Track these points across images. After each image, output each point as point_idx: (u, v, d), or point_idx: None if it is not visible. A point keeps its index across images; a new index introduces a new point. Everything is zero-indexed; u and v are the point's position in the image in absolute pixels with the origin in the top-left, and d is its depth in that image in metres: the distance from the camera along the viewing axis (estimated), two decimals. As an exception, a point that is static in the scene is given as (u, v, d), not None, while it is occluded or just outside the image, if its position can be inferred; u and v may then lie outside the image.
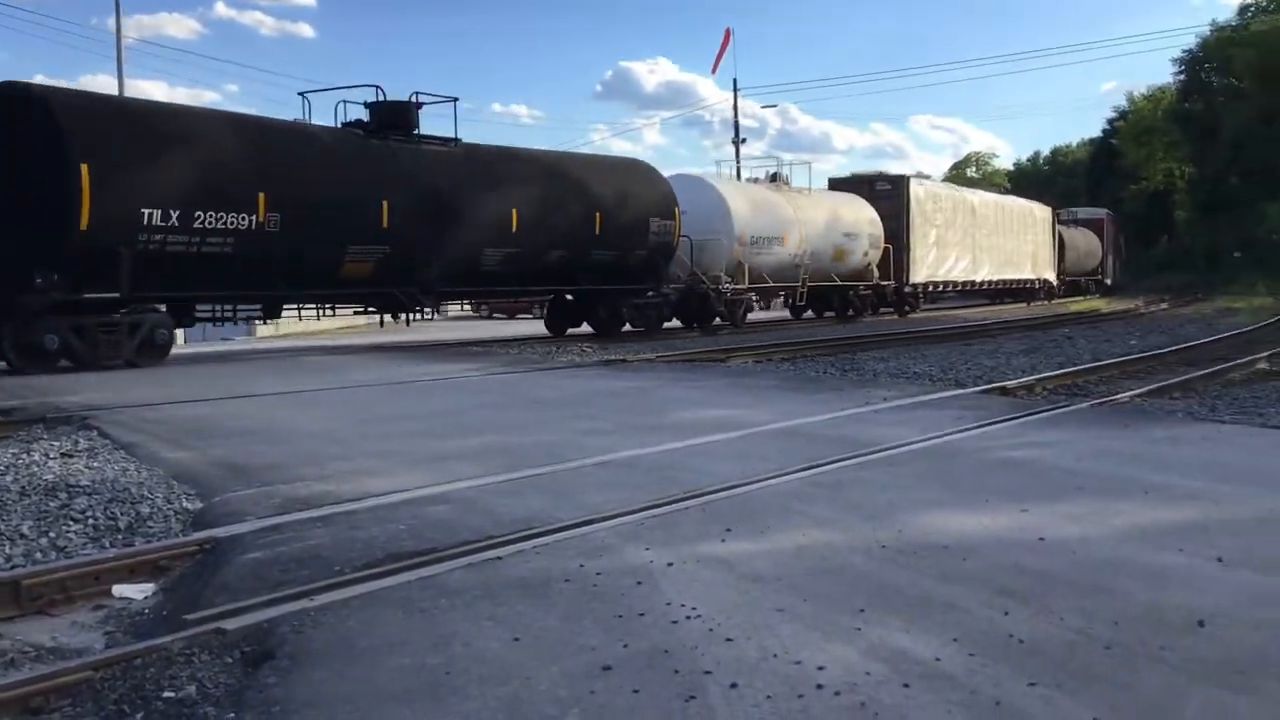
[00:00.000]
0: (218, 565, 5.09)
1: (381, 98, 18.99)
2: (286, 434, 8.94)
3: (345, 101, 19.05)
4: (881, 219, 31.69)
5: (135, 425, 9.27)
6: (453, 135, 20.00)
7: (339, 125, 18.82)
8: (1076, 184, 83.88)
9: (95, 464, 7.53)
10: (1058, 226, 47.57)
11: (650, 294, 23.86)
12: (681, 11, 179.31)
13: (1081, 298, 48.88)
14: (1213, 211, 66.60)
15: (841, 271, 30.31)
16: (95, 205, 14.14)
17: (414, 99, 19.43)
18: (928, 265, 34.54)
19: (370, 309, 20.72)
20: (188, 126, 16.11)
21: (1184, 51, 69.86)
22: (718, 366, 15.51)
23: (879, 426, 9.07)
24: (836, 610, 4.23)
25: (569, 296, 23.97)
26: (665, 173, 26.06)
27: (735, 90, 53.55)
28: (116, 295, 14.82)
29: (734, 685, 3.49)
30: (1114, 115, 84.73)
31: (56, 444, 8.32)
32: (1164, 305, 40.03)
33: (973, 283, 38.60)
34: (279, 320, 26.18)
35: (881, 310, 33.44)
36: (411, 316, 20.56)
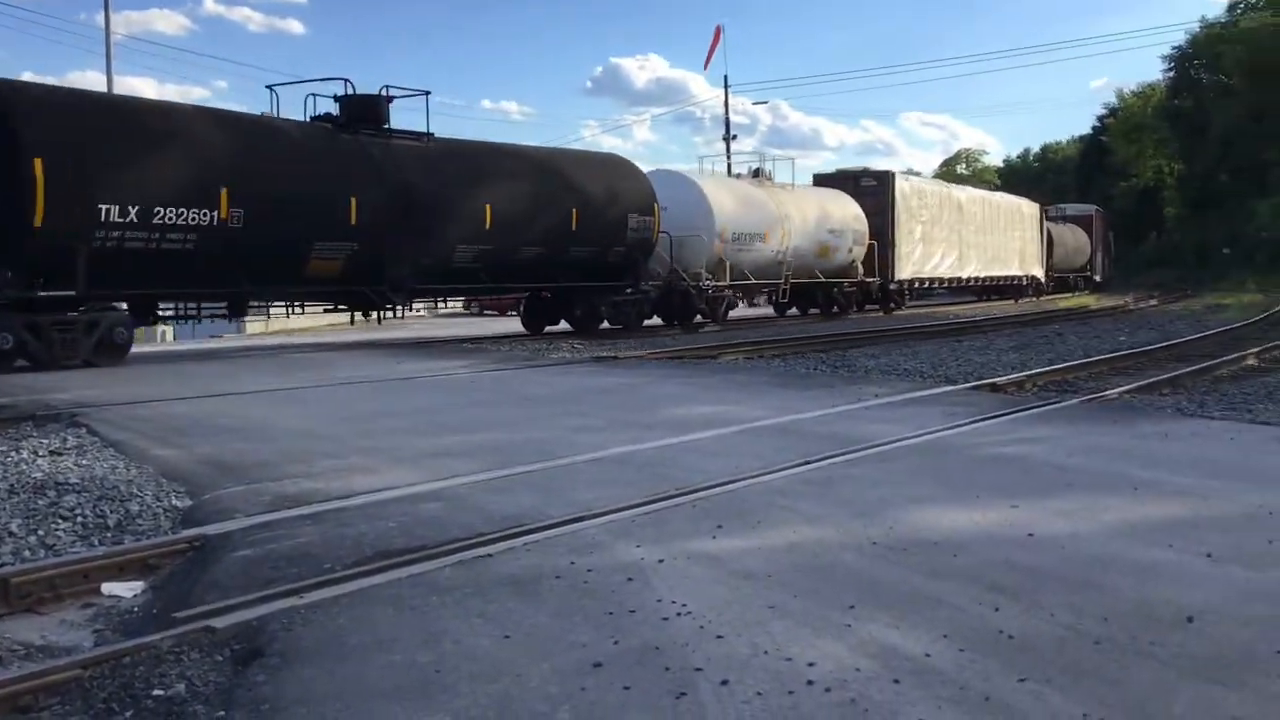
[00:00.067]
0: (207, 563, 5.08)
1: (351, 91, 18.69)
2: (276, 431, 8.92)
3: (315, 95, 18.77)
4: (867, 215, 31.48)
5: (124, 423, 9.25)
6: (425, 130, 19.67)
7: (308, 119, 18.50)
8: (1066, 181, 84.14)
9: (84, 461, 7.51)
10: (1046, 223, 47.42)
11: (629, 291, 23.50)
12: (672, 8, 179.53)
13: (1070, 294, 48.83)
14: (1202, 208, 66.87)
15: (826, 268, 30.07)
16: (50, 201, 13.84)
17: (384, 92, 19.13)
18: (913, 262, 34.32)
19: (340, 307, 20.42)
20: (147, 121, 15.72)
21: (1174, 48, 70.21)
22: (708, 363, 15.51)
23: (870, 423, 9.08)
24: (827, 607, 4.24)
25: (546, 294, 23.60)
26: (657, 169, 26.00)
27: (726, 87, 53.60)
28: (73, 293, 14.53)
29: (725, 682, 3.50)
30: (1104, 112, 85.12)
31: (45, 441, 8.29)
32: (1153, 302, 40.11)
33: (959, 279, 38.43)
34: (268, 317, 26.12)
35: (867, 307, 33.24)
36: (383, 314, 20.23)
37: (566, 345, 18.99)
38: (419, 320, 31.79)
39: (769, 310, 31.80)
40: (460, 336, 22.75)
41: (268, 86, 19.44)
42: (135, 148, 15.08)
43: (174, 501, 6.40)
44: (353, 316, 20.46)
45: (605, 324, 23.31)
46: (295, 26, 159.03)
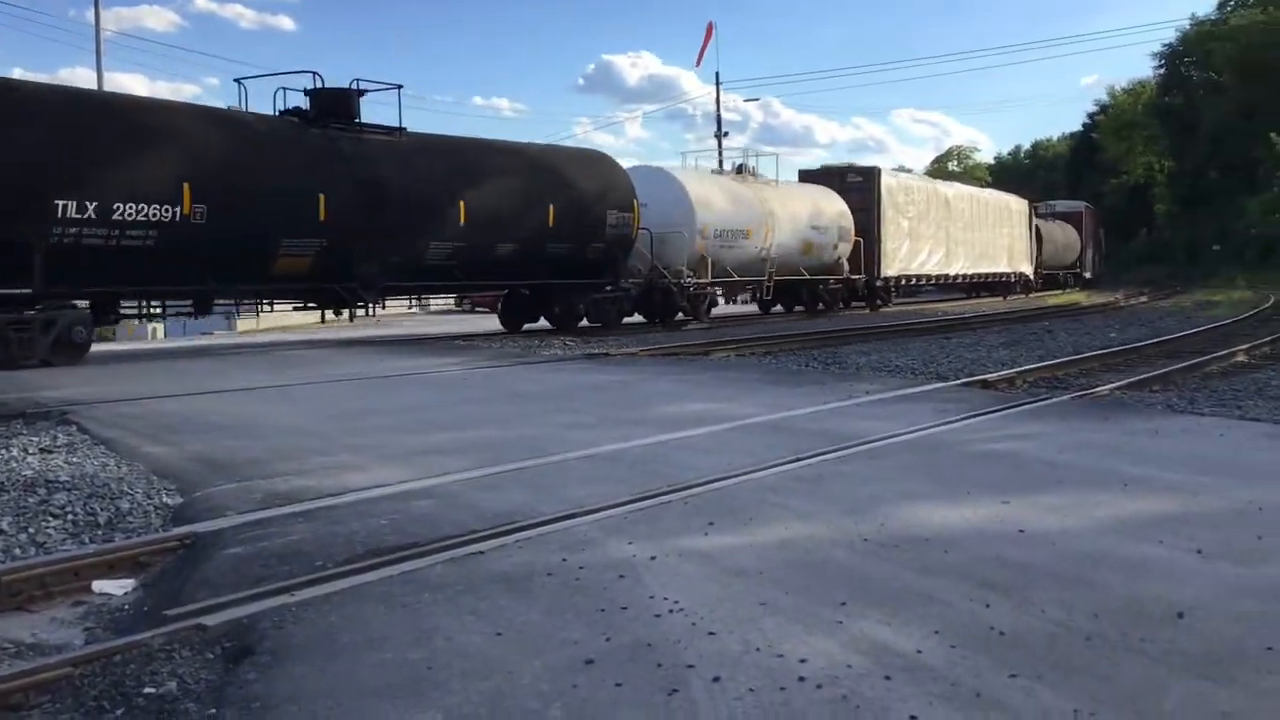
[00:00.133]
0: (198, 561, 5.06)
1: (320, 85, 18.27)
2: (267, 428, 8.90)
3: (285, 89, 18.33)
4: (852, 212, 31.27)
5: (114, 420, 9.22)
6: (398, 124, 19.25)
7: (277, 113, 18.07)
8: (1057, 178, 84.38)
9: (74, 459, 7.49)
10: (1035, 220, 47.26)
11: (609, 288, 23.24)
12: (664, 5, 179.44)
13: (1060, 291, 48.76)
14: (1192, 205, 67.15)
15: (810, 265, 29.87)
16: (3, 197, 13.55)
17: (355, 86, 18.69)
18: (900, 259, 34.13)
19: (310, 305, 19.91)
20: (105, 114, 15.35)
21: (1164, 46, 70.53)
22: (700, 360, 15.51)
23: (861, 420, 9.09)
24: (819, 603, 4.24)
25: (525, 291, 23.14)
26: (637, 165, 25.86)
27: (718, 84, 53.61)
28: (29, 291, 14.12)
29: (716, 678, 3.50)
30: (1094, 109, 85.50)
31: (35, 439, 8.26)
32: (1143, 298, 40.17)
33: (946, 276, 38.25)
34: (236, 315, 25.88)
35: (853, 305, 33.04)
36: (354, 312, 19.79)
37: (558, 342, 18.93)
38: (410, 317, 31.76)
39: (754, 308, 31.53)
40: (451, 333, 22.73)
41: (236, 80, 19.04)
42: (92, 141, 14.68)
43: (165, 499, 6.39)
44: (323, 315, 20.03)
45: (584, 322, 23.00)
46: (286, 23, 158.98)
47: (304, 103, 18.22)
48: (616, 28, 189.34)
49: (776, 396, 10.67)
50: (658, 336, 21.06)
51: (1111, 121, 78.34)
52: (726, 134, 52.17)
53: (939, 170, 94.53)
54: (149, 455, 7.63)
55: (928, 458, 7.34)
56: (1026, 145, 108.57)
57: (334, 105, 18.24)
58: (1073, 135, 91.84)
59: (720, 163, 30.41)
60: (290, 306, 20.77)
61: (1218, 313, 27.20)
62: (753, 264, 27.50)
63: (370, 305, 19.70)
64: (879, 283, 33.16)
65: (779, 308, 31.47)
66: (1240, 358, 14.88)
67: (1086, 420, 8.94)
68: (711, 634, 3.91)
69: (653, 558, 4.88)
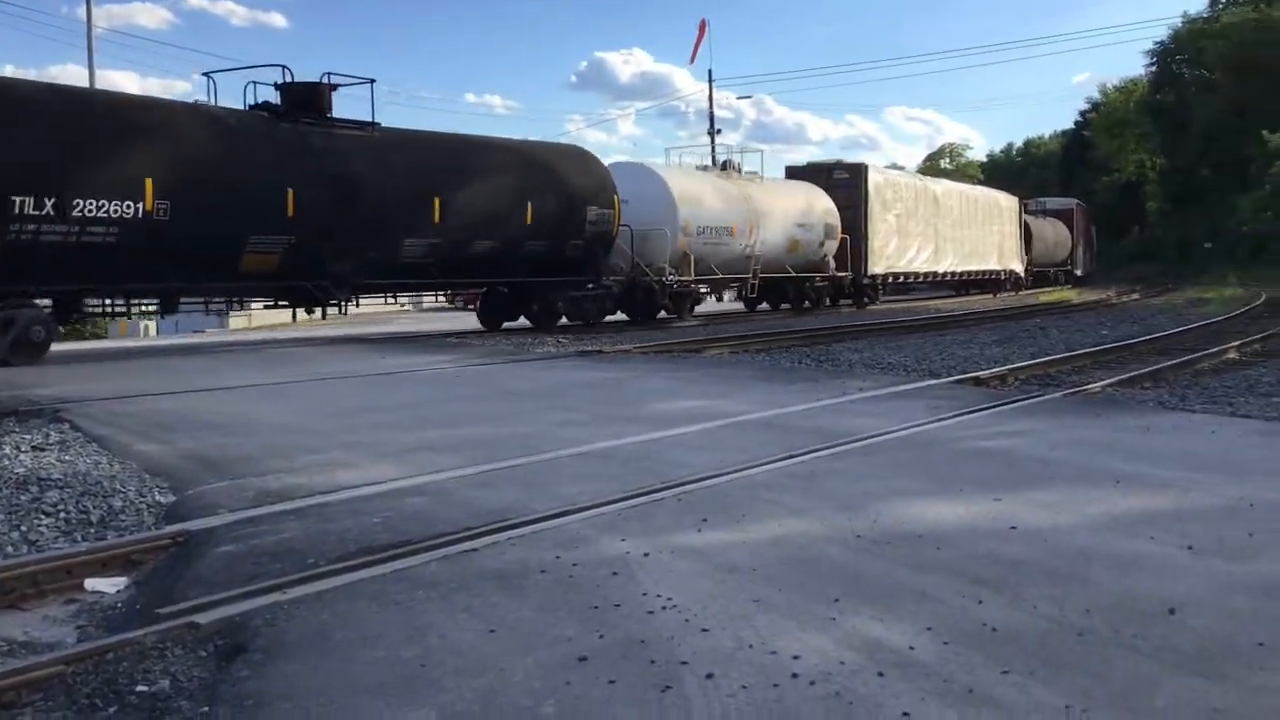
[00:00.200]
0: (191, 559, 5.06)
1: (290, 79, 17.88)
2: (259, 426, 8.89)
3: (254, 83, 17.99)
4: (839, 209, 30.96)
5: (107, 418, 9.21)
6: (371, 119, 18.85)
7: (246, 107, 17.69)
8: (1049, 175, 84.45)
9: (67, 457, 7.48)
10: (1025, 217, 46.98)
11: (590, 286, 22.96)
12: (656, 2, 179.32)
13: (1051, 289, 48.66)
14: (1184, 203, 67.27)
15: (796, 263, 29.56)
16: None
17: (325, 79, 18.27)
18: (887, 256, 33.83)
19: (280, 303, 19.56)
20: (65, 108, 14.96)
21: (1156, 43, 70.64)
22: (693, 357, 15.52)
23: (854, 417, 9.10)
24: (812, 600, 4.25)
25: (504, 289, 22.64)
26: (619, 160, 25.46)
27: (710, 81, 53.62)
28: None
29: (710, 675, 3.50)
30: (1086, 107, 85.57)
31: (28, 437, 8.25)
32: (1135, 296, 40.16)
33: (935, 274, 37.93)
34: (250, 312, 25.82)
35: (841, 302, 32.79)
36: (327, 311, 19.51)
37: (551, 340, 18.92)
38: (403, 315, 31.75)
39: (739, 305, 31.22)
40: (444, 331, 22.69)
41: (204, 74, 18.65)
42: (51, 136, 14.40)
43: (157, 497, 6.38)
44: (294, 314, 19.73)
45: (564, 320, 22.68)
46: (278, 20, 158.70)
47: (275, 97, 17.88)
48: (609, 25, 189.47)
49: (769, 393, 10.67)
50: (651, 334, 20.99)
51: (1103, 119, 78.44)
52: (719, 131, 52.20)
53: (931, 168, 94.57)
54: (141, 453, 7.61)
55: (920, 454, 7.35)
56: (1019, 143, 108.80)
57: (305, 99, 17.87)
58: (1065, 133, 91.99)
59: (714, 160, 30.09)
60: (260, 305, 20.32)
61: (1209, 310, 27.25)
62: (737, 261, 27.22)
63: (343, 304, 19.37)
64: (866, 280, 32.87)
65: (765, 305, 31.16)
66: (1232, 355, 14.92)
67: (1079, 417, 8.96)
68: (705, 631, 3.92)
69: (646, 555, 4.88)
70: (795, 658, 3.64)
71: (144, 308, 18.04)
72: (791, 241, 29.13)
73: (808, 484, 6.40)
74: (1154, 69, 71.51)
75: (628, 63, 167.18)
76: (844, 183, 32.46)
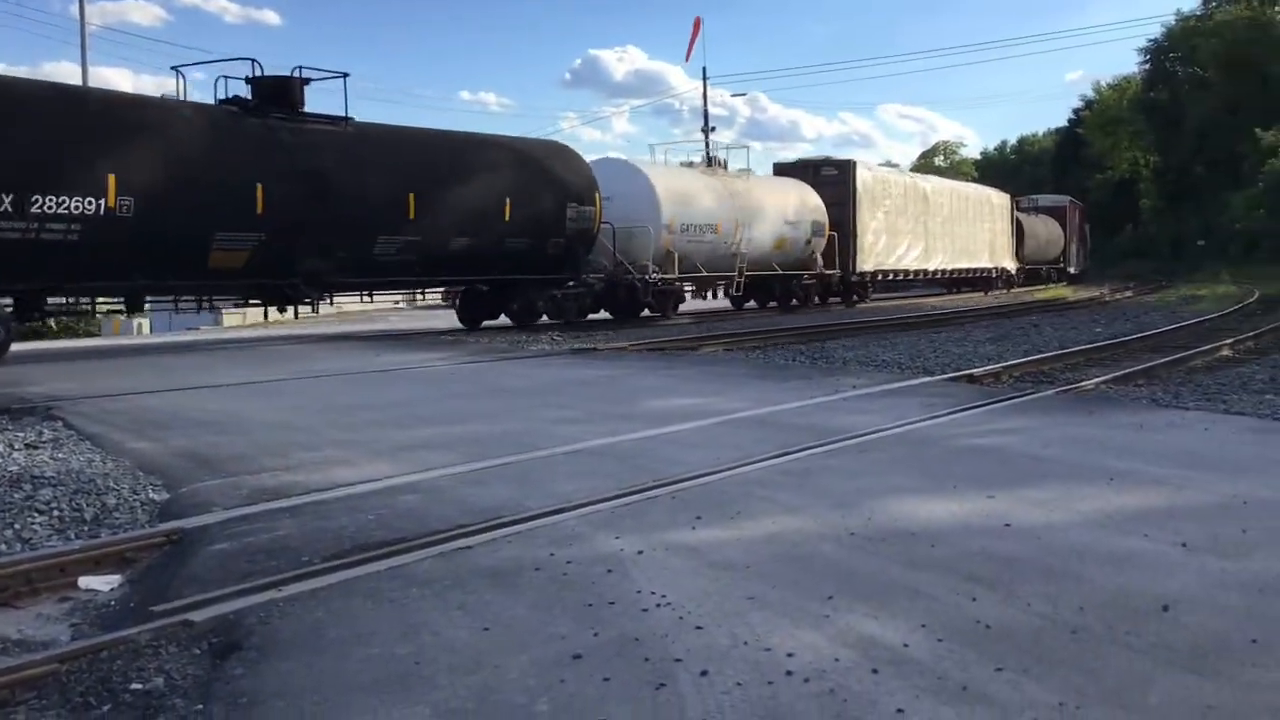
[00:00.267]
0: (185, 556, 5.05)
1: (260, 72, 17.44)
2: (253, 424, 8.88)
3: (225, 77, 17.42)
4: (827, 206, 30.54)
5: (100, 416, 9.19)
6: (344, 113, 18.31)
7: (216, 102, 17.25)
8: (1043, 173, 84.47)
9: (60, 455, 7.47)
10: (1017, 214, 46.56)
11: (570, 284, 22.52)
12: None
13: (1044, 286, 48.54)
14: (1177, 200, 67.38)
15: (783, 260, 29.22)
16: None
17: (297, 73, 17.83)
18: (876, 254, 33.47)
19: (252, 301, 19.05)
20: (21, 102, 14.48)
21: (1149, 41, 70.65)
22: (687, 355, 15.53)
23: (848, 414, 9.11)
24: (806, 597, 4.25)
25: (484, 287, 22.13)
26: (601, 157, 25.11)
27: (705, 79, 53.46)
28: None
29: (704, 673, 3.50)
30: (1080, 105, 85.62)
31: (21, 435, 8.23)
32: (1129, 293, 40.16)
33: (925, 272, 37.58)
34: (245, 310, 25.57)
35: (829, 300, 32.45)
36: (299, 310, 19.21)
37: (545, 337, 18.91)
38: (397, 313, 31.72)
39: (726, 304, 30.83)
40: (438, 329, 22.63)
41: (173, 68, 18.01)
42: (7, 131, 13.94)
43: (151, 495, 6.37)
44: (266, 312, 19.24)
45: (544, 318, 22.33)
46: (271, 17, 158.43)
47: (247, 92, 17.45)
48: (603, 23, 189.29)
49: (763, 391, 10.68)
50: (644, 331, 20.95)
51: (1097, 117, 78.56)
52: (714, 129, 52.07)
53: (925, 165, 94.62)
54: (135, 451, 7.60)
55: (914, 452, 7.35)
56: (1012, 140, 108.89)
57: (275, 94, 17.44)
58: (1058, 130, 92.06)
59: (708, 158, 29.84)
60: (231, 303, 19.87)
61: (1202, 307, 27.30)
62: (722, 259, 26.85)
63: (315, 303, 19.08)
64: (854, 278, 32.49)
65: (752, 303, 30.71)
66: (1225, 352, 14.95)
67: (1072, 415, 8.97)
68: (699, 628, 3.92)
69: (640, 552, 4.89)
70: (789, 655, 3.65)
71: (110, 306, 17.66)
72: (778, 239, 28.79)
73: (802, 481, 6.40)
74: (1147, 67, 71.60)
75: (622, 60, 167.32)
76: (832, 179, 32.09)
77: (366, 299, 23.07)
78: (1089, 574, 4.52)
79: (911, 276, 37.17)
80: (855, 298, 33.11)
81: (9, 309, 14.93)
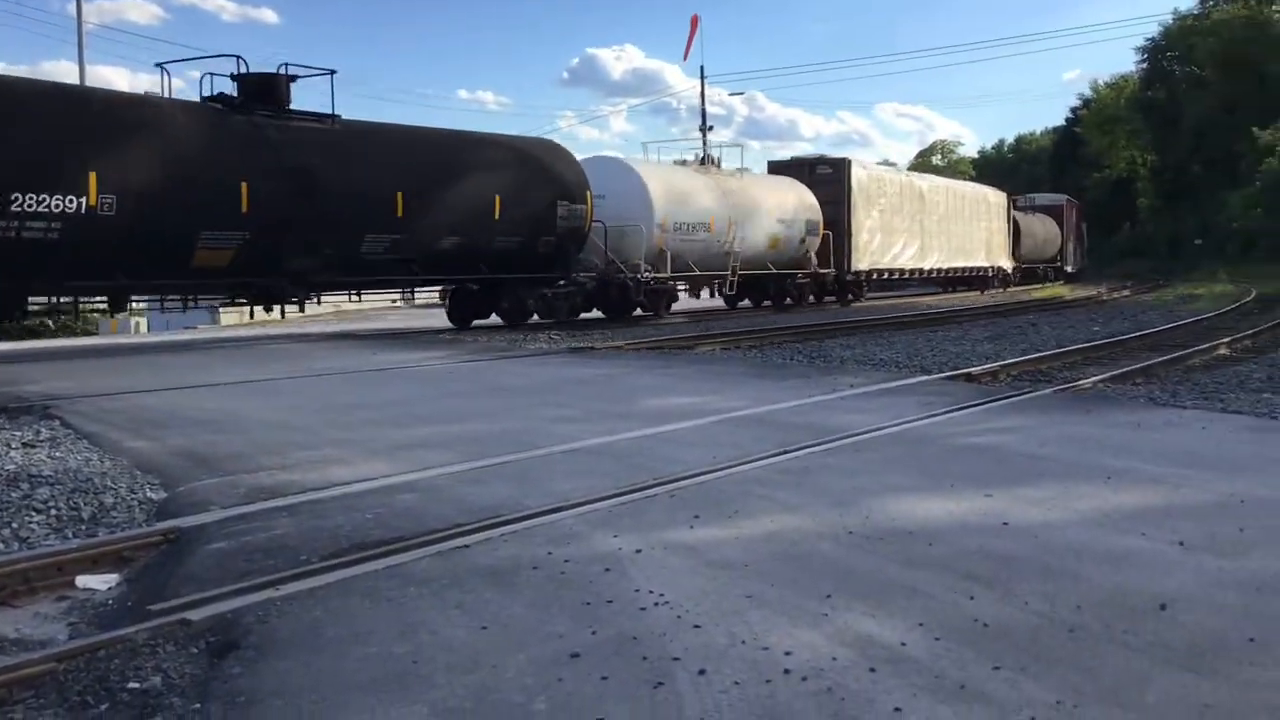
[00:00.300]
0: (182, 555, 5.05)
1: (245, 69, 17.12)
2: (251, 423, 8.88)
3: (211, 74, 17.09)
4: (822, 204, 30.29)
5: (98, 415, 9.19)
6: (330, 111, 18.00)
7: (201, 99, 16.94)
8: (1040, 172, 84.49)
9: (58, 454, 7.46)
10: (1014, 213, 46.18)
11: (561, 283, 22.26)
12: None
13: (1041, 285, 48.45)
14: (1175, 199, 67.42)
15: (777, 259, 28.94)
16: None
17: (283, 70, 17.54)
18: (871, 253, 33.19)
19: (238, 301, 18.70)
20: (1, 100, 14.19)
21: (1146, 40, 70.72)
22: (685, 354, 15.53)
23: (846, 413, 9.11)
24: (804, 596, 4.26)
25: (474, 286, 21.86)
26: (593, 155, 25.11)
27: (702, 78, 53.42)
28: None
29: (702, 671, 3.51)
30: (1078, 103, 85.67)
31: (18, 434, 8.23)
32: (1126, 292, 40.14)
33: (921, 271, 37.24)
34: (243, 309, 25.43)
35: (824, 300, 32.24)
36: (285, 309, 19.01)
37: (543, 336, 18.90)
38: (394, 311, 31.69)
39: (720, 303, 30.56)
40: (436, 327, 22.62)
41: (158, 65, 17.70)
42: None
43: (148, 494, 6.37)
44: (252, 311, 19.06)
45: (535, 317, 22.14)
46: (269, 16, 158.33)
47: (234, 89, 17.17)
48: (601, 21, 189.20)
49: (761, 390, 10.68)
50: (641, 330, 20.93)
51: (1094, 116, 78.58)
52: (711, 128, 51.86)
53: (923, 164, 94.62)
54: (132, 450, 7.60)
55: (912, 450, 7.36)
56: (1010, 139, 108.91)
57: (261, 91, 17.19)
58: (1056, 129, 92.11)
59: (705, 157, 29.68)
60: (217, 302, 19.53)
61: (1200, 306, 27.33)
62: (715, 258, 26.62)
63: (302, 302, 18.87)
64: (849, 277, 32.26)
65: (746, 302, 30.47)
66: (1222, 351, 14.96)
67: (1069, 413, 8.98)
68: (697, 627, 3.92)
69: (638, 551, 4.89)
70: (787, 654, 3.65)
71: (95, 306, 17.35)
72: (772, 238, 28.57)
73: (800, 480, 6.40)
74: (1145, 66, 71.65)
75: (619, 59, 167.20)
76: (827, 178, 31.79)
77: (356, 298, 22.49)
78: (1086, 573, 4.52)
79: (907, 275, 36.83)
80: (850, 297, 32.93)
81: None
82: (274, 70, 17.56)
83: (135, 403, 10.07)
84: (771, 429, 8.27)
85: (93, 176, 14.33)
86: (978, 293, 40.45)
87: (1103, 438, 7.78)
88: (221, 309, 24.46)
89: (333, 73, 18.48)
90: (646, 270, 24.04)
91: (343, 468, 6.91)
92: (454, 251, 19.80)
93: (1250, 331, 17.68)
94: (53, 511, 5.93)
